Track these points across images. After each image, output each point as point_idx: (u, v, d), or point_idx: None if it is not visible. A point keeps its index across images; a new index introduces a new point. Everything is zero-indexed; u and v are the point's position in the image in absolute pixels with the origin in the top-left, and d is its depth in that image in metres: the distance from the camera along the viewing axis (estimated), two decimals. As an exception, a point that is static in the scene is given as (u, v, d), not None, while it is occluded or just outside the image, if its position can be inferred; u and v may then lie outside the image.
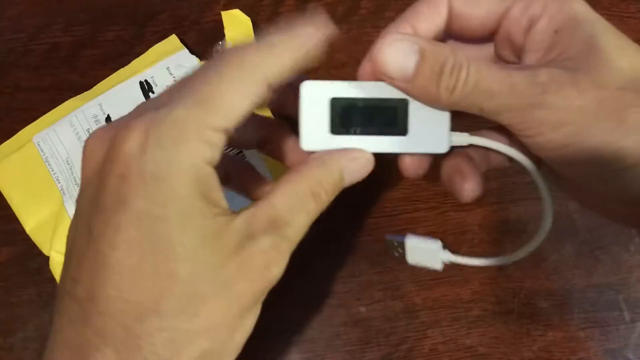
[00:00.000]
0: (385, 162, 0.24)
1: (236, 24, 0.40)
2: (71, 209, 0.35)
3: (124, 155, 0.20)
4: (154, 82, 0.38)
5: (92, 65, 0.41)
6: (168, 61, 0.39)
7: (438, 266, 0.32)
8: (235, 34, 0.40)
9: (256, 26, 0.41)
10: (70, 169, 0.36)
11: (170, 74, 0.38)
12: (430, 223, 0.37)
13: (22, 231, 0.36)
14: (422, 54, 0.22)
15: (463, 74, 0.22)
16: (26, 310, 0.35)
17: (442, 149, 0.24)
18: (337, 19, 0.42)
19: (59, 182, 0.36)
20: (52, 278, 0.35)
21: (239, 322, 0.21)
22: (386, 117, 0.24)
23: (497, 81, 0.22)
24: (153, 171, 0.20)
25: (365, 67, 0.25)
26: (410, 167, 0.25)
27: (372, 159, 0.24)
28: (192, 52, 0.39)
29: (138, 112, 0.21)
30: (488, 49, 0.27)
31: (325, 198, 0.23)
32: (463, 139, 0.25)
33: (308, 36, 0.22)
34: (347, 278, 0.36)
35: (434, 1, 0.25)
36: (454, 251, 0.31)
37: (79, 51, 0.41)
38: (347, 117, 0.24)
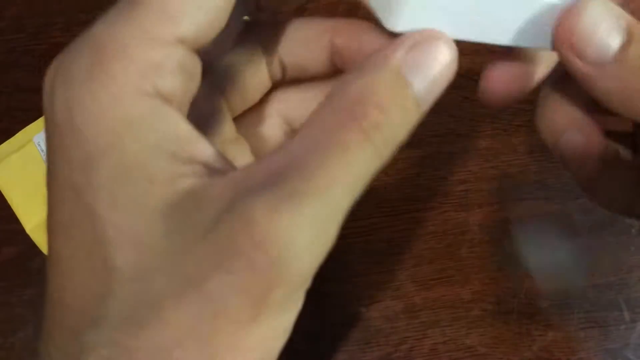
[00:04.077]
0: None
1: (236, 24, 0.40)
2: (71, 209, 0.35)
3: (43, 106, 0.14)
4: (154, 82, 0.38)
5: (92, 65, 0.41)
6: (168, 61, 0.39)
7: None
8: (235, 34, 0.40)
9: (256, 26, 0.41)
10: (70, 169, 0.36)
11: (170, 74, 0.38)
12: (430, 223, 0.37)
13: (22, 231, 0.36)
14: (630, 34, 0.15)
15: None
16: (26, 310, 0.35)
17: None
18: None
19: (59, 182, 0.36)
20: (52, 278, 0.35)
21: (227, 338, 0.13)
22: None
23: None
24: (65, 121, 0.13)
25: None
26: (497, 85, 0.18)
27: (451, 43, 0.15)
28: (192, 52, 0.39)
29: None
30: None
31: (379, 116, 0.14)
32: None
33: None
34: (347, 278, 0.36)
35: None
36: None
37: (79, 51, 0.41)
38: None
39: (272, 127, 0.20)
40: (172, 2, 0.14)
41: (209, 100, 0.18)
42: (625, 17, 0.16)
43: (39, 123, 0.39)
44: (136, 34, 0.13)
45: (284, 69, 0.20)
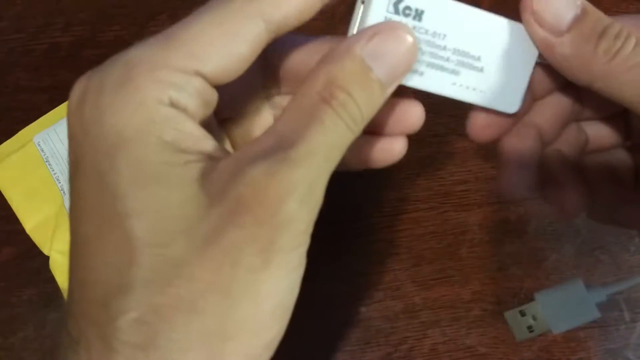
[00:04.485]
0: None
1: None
2: (71, 209, 0.36)
3: (69, 112, 0.17)
4: (154, 82, 0.38)
5: (92, 65, 0.40)
6: (168, 61, 0.39)
7: (595, 314, 0.24)
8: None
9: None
10: (70, 169, 0.36)
11: (170, 74, 0.38)
12: (430, 223, 0.37)
13: (22, 231, 0.36)
14: (584, 9, 0.19)
15: (631, 41, 0.18)
16: (26, 310, 0.35)
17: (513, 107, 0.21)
18: (338, 19, 0.42)
19: (59, 182, 0.36)
20: (52, 278, 0.35)
21: (244, 286, 0.15)
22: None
23: None
24: (93, 118, 0.16)
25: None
26: (481, 129, 0.22)
27: (409, 34, 0.17)
28: (192, 52, 0.39)
29: None
30: None
31: (345, 97, 0.16)
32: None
33: None
34: (347, 278, 0.36)
35: None
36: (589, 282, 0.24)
37: (79, 51, 0.41)
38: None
39: None
40: (201, 45, 0.16)
41: (214, 133, 0.21)
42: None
43: (39, 123, 0.39)
44: (161, 62, 0.16)
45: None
